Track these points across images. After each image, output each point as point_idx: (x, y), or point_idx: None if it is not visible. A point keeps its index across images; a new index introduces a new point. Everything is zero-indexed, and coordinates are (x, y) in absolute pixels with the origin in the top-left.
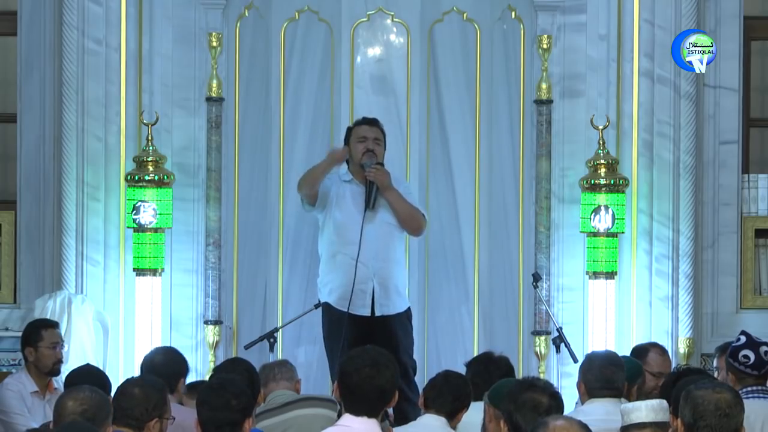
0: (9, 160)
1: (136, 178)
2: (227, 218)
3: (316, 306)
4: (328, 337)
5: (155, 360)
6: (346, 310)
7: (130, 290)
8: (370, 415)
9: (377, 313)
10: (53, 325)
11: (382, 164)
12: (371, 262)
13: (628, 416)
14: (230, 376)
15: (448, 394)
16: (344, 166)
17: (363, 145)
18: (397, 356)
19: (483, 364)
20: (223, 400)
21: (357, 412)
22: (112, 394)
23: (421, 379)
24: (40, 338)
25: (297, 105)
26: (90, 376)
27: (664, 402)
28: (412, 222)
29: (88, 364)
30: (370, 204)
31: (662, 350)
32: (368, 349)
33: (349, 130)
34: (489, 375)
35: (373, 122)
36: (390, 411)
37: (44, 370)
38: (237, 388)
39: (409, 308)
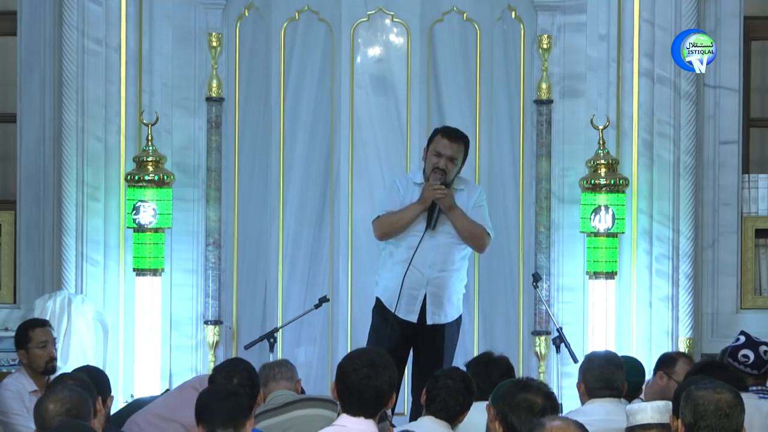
0: (9, 160)
1: (136, 178)
2: (227, 218)
3: (317, 306)
4: (373, 331)
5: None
6: (393, 311)
7: (130, 290)
8: (367, 416)
9: (428, 322)
10: (41, 323)
11: (447, 184)
12: (426, 270)
13: (633, 417)
14: (230, 375)
15: (450, 398)
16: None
17: (436, 160)
18: (439, 364)
19: (483, 364)
20: (226, 395)
21: (354, 412)
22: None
23: None
24: (28, 339)
25: (297, 105)
26: (89, 375)
27: (670, 403)
28: (474, 240)
29: (87, 365)
30: (431, 224)
31: (690, 361)
32: (367, 350)
33: (435, 133)
34: (489, 375)
35: (456, 137)
36: (389, 412)
37: (38, 370)
38: (237, 388)
39: (460, 316)
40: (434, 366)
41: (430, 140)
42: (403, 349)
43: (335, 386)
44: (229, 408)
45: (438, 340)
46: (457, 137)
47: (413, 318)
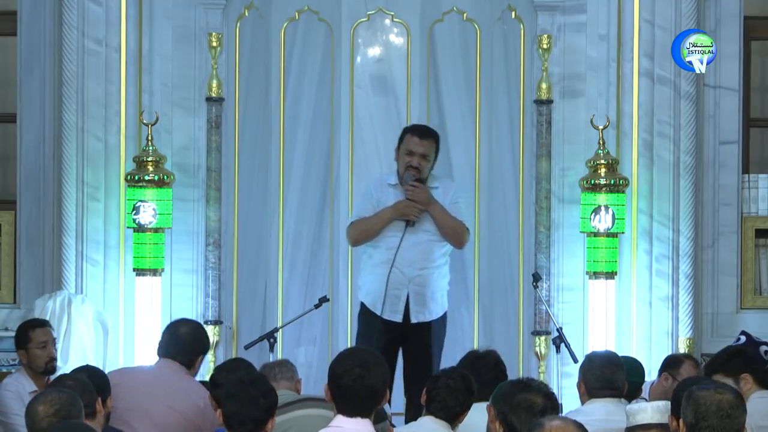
0: (9, 160)
1: (136, 178)
2: (227, 218)
3: (317, 306)
4: (360, 336)
5: (180, 331)
6: (378, 313)
7: (130, 290)
8: (363, 415)
9: (413, 321)
10: (41, 324)
11: (422, 180)
12: (407, 269)
13: (633, 417)
14: (258, 373)
15: (450, 398)
16: (392, 167)
17: (408, 159)
18: (428, 361)
19: (469, 363)
20: (252, 396)
21: (349, 412)
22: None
23: None
24: (28, 340)
25: (297, 105)
26: (89, 375)
27: (669, 403)
28: (454, 236)
29: (87, 365)
30: (410, 222)
31: (696, 363)
32: (357, 350)
33: (404, 132)
34: (477, 373)
35: (425, 134)
36: (388, 411)
37: (38, 370)
38: (266, 386)
39: (445, 313)
40: (423, 364)
41: (401, 140)
42: (392, 350)
43: (328, 388)
44: (252, 412)
45: (425, 338)
46: (428, 134)
47: (398, 318)
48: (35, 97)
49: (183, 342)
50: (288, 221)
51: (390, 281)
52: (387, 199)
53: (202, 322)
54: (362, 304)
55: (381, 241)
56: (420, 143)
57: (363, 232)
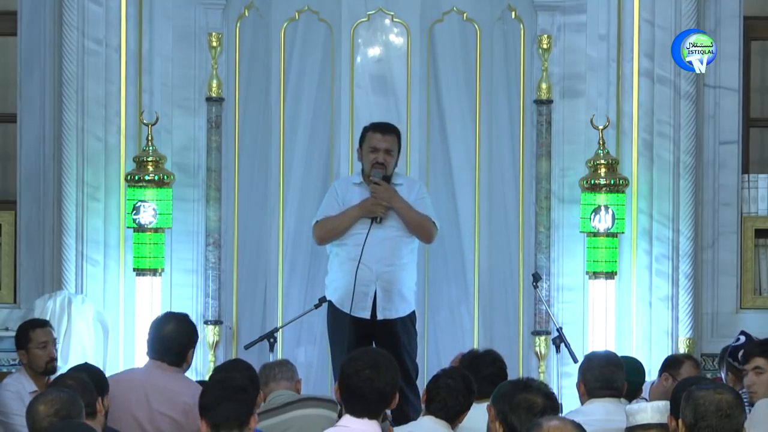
0: (9, 160)
1: (136, 178)
2: (227, 218)
3: (317, 306)
4: (330, 336)
5: (164, 331)
6: (346, 311)
7: (130, 290)
8: (371, 417)
9: (379, 317)
10: (42, 324)
11: (388, 177)
12: (375, 265)
13: (633, 417)
14: (232, 373)
15: (450, 398)
16: (357, 167)
17: (373, 156)
18: (399, 359)
19: (468, 362)
20: (229, 395)
21: (357, 413)
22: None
23: (421, 381)
24: (28, 340)
25: (297, 105)
26: (89, 374)
27: (669, 403)
28: (421, 231)
29: (85, 363)
30: (377, 219)
31: (696, 363)
32: (369, 351)
33: (365, 131)
34: (476, 369)
35: (387, 130)
36: (388, 412)
37: (38, 370)
38: (242, 383)
39: (413, 312)
40: None
41: (362, 139)
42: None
43: (338, 388)
44: (234, 407)
45: (393, 336)
46: (389, 130)
47: (366, 314)
48: (35, 97)
49: (168, 342)
50: (288, 221)
51: (358, 278)
52: (352, 198)
53: (201, 323)
54: (329, 303)
55: (348, 238)
56: (383, 139)
57: (330, 231)
